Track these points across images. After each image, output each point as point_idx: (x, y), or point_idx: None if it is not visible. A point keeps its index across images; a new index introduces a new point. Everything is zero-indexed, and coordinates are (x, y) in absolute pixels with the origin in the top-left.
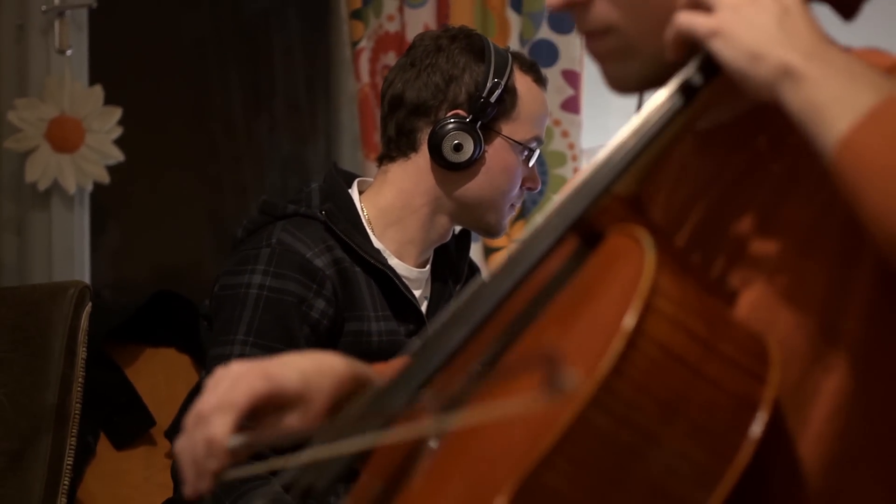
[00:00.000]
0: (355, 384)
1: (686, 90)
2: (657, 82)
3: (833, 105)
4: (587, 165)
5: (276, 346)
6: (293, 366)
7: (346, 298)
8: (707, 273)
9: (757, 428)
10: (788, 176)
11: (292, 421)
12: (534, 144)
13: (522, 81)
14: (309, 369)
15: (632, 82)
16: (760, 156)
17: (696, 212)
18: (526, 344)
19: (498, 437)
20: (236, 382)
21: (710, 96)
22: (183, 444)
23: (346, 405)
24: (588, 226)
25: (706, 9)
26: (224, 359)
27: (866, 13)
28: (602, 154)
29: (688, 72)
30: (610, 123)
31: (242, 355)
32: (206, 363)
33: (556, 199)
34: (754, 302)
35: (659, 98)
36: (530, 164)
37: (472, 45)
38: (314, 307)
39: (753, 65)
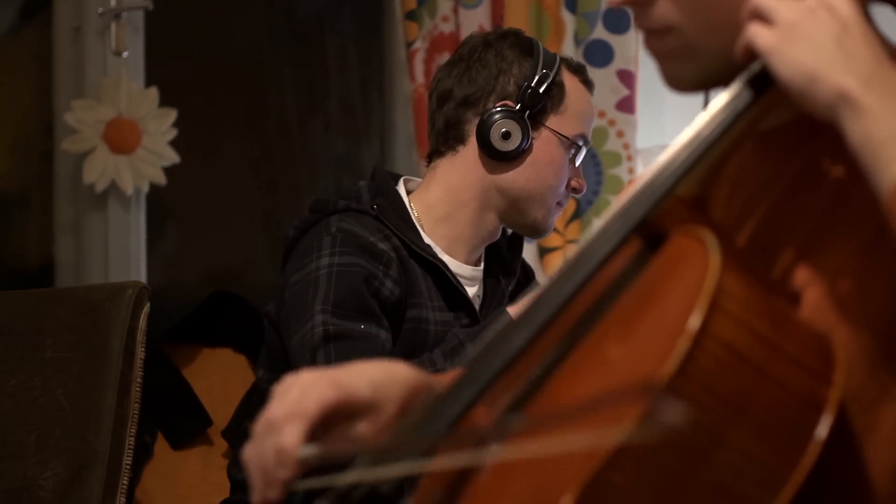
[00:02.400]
0: (429, 389)
1: (753, 85)
2: (715, 82)
3: (889, 144)
4: (650, 167)
5: (355, 316)
6: (363, 374)
7: (408, 284)
8: (769, 274)
9: (822, 429)
10: (849, 179)
11: (362, 430)
12: (580, 142)
13: (570, 79)
14: (379, 377)
15: (690, 82)
16: (820, 157)
17: (756, 213)
18: (589, 347)
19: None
20: (306, 390)
21: (773, 97)
22: (252, 452)
23: (410, 412)
24: (651, 227)
25: (767, 21)
26: (310, 334)
27: None
28: (665, 155)
29: (751, 73)
30: (665, 123)
31: (326, 323)
32: (291, 353)
33: (618, 200)
34: (816, 304)
35: (722, 99)
36: (577, 162)
37: (521, 41)
38: (384, 284)
39: (811, 86)
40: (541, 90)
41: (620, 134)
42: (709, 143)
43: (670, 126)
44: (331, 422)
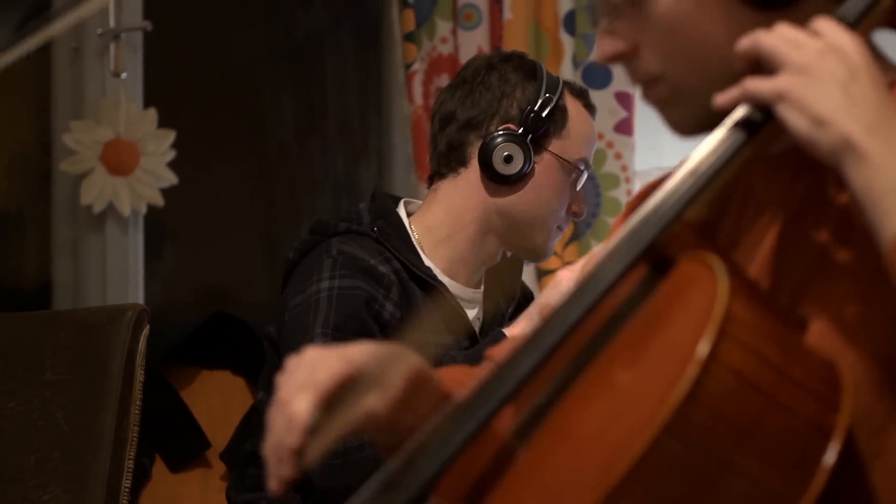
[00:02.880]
0: (428, 378)
1: (748, 126)
2: (717, 122)
3: (890, 194)
4: (658, 192)
5: (353, 338)
6: (369, 349)
7: (408, 306)
8: (777, 300)
9: (831, 455)
10: (855, 205)
11: (370, 402)
12: (582, 166)
13: (573, 104)
14: (385, 354)
15: (691, 125)
16: (826, 183)
17: (763, 237)
18: (597, 372)
19: (573, 459)
20: (315, 365)
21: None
22: (268, 441)
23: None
24: (658, 252)
25: (771, 67)
26: None
27: None
28: (673, 180)
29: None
30: (663, 145)
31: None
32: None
33: (616, 223)
34: (823, 330)
35: (728, 125)
36: (577, 186)
37: (524, 65)
38: (385, 308)
39: (817, 131)
40: (543, 114)
41: (619, 156)
42: (717, 168)
43: (668, 148)
44: (340, 396)
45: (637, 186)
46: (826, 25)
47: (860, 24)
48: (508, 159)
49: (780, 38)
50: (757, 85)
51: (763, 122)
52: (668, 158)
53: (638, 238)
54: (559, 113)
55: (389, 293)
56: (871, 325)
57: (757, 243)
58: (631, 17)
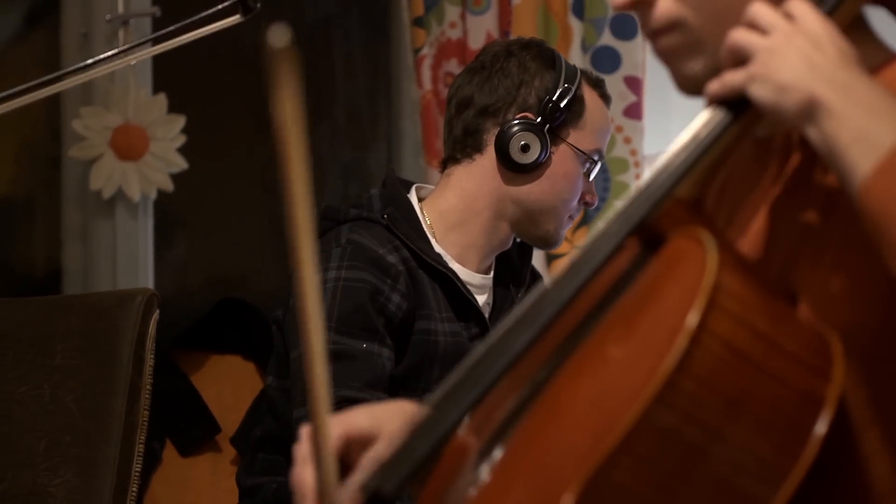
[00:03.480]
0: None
1: (733, 107)
2: None
3: (854, 144)
4: (650, 169)
5: (358, 333)
6: (363, 409)
7: (416, 296)
8: (767, 272)
9: (822, 425)
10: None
11: (379, 451)
12: (596, 157)
13: (590, 94)
14: (378, 411)
15: (701, 80)
16: (814, 163)
17: (752, 216)
18: (590, 348)
19: (564, 434)
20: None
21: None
22: None
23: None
24: (649, 229)
25: (746, 58)
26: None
27: None
28: (662, 158)
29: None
30: (671, 129)
31: (328, 341)
32: (291, 365)
33: (618, 204)
34: (812, 302)
35: (713, 106)
36: (591, 177)
37: (543, 53)
38: (391, 300)
39: (781, 97)
40: (562, 104)
41: (628, 140)
42: (706, 145)
43: (677, 132)
44: (350, 457)
45: (646, 171)
46: (796, 7)
47: (842, 4)
48: (525, 148)
49: (748, 29)
50: (732, 75)
51: (744, 106)
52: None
53: (629, 215)
54: (577, 103)
55: (397, 284)
56: (857, 296)
57: (746, 223)
58: None
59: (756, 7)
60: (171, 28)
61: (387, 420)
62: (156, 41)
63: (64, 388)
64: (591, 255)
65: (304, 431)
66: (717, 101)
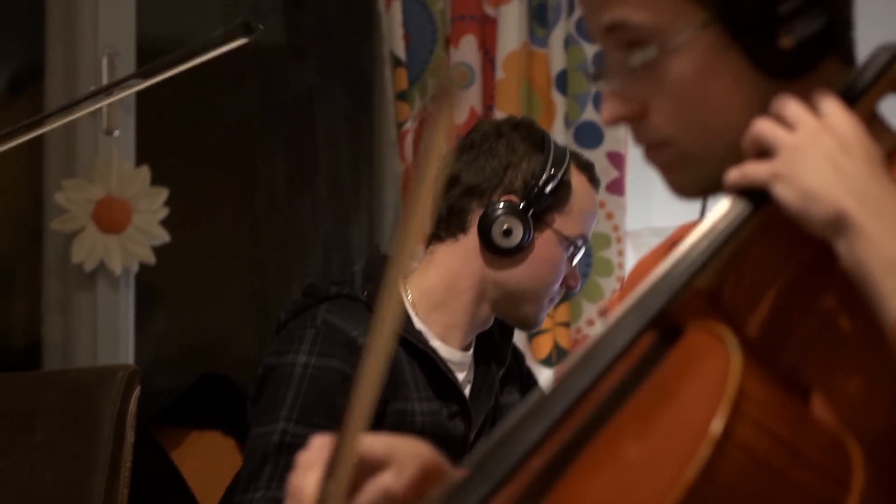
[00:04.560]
0: (443, 470)
1: (754, 199)
2: (720, 187)
3: (889, 275)
4: (668, 258)
5: (321, 422)
6: (378, 437)
7: (390, 378)
8: (780, 364)
9: None
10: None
11: (386, 479)
12: (580, 242)
13: (578, 178)
14: (393, 440)
15: (695, 189)
16: (825, 254)
17: (762, 304)
18: (604, 443)
19: None
20: (320, 447)
21: None
22: None
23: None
24: (667, 320)
25: (769, 151)
26: (267, 437)
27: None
28: (681, 248)
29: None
30: (654, 205)
31: (286, 433)
32: (247, 442)
33: (635, 291)
34: (826, 403)
35: (735, 196)
36: (574, 261)
37: (533, 134)
38: None
39: (808, 204)
40: (547, 189)
41: (610, 216)
42: (726, 236)
43: (659, 208)
44: (359, 481)
45: (628, 247)
46: (826, 103)
47: (865, 96)
48: (508, 232)
49: (774, 121)
50: (755, 168)
51: (765, 199)
52: (658, 219)
53: (647, 305)
54: (563, 189)
55: None
56: (875, 400)
57: (761, 309)
58: (643, 78)
59: (784, 100)
60: (180, 53)
61: (400, 452)
62: (166, 66)
63: (44, 464)
64: (606, 346)
65: (322, 441)
66: (737, 191)
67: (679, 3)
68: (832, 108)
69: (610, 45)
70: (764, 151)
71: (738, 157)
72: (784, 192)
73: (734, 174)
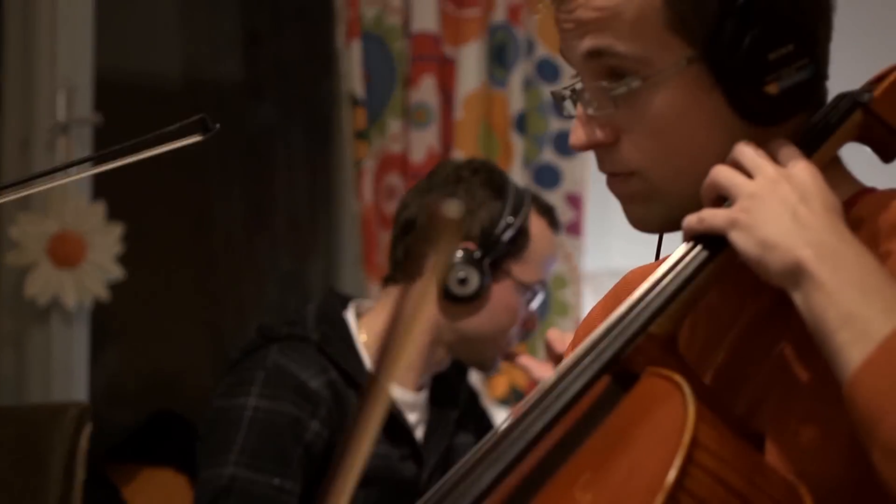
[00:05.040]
0: None
1: (710, 246)
2: (680, 223)
3: (844, 329)
4: (623, 303)
5: (270, 467)
6: None
7: (339, 421)
8: (734, 415)
9: None
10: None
11: None
12: (538, 287)
13: (537, 224)
14: None
15: (655, 223)
16: (781, 302)
17: (718, 350)
18: (557, 489)
19: None
20: None
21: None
22: None
23: None
24: (622, 365)
25: (728, 197)
26: (216, 481)
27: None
28: (639, 291)
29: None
30: (612, 246)
31: (234, 477)
32: (196, 485)
33: (590, 336)
34: (780, 451)
35: (691, 243)
36: (532, 306)
37: (493, 180)
38: (309, 428)
39: (765, 254)
40: (505, 238)
41: (568, 257)
42: (682, 282)
43: (617, 249)
44: None
45: (586, 288)
46: (785, 151)
47: (824, 144)
48: (463, 281)
49: (733, 168)
50: (713, 214)
51: (722, 246)
52: (617, 260)
53: (602, 350)
54: (521, 237)
55: (318, 411)
56: (828, 450)
57: (715, 353)
58: (621, 108)
59: (742, 146)
60: (131, 143)
61: None
62: (114, 155)
63: None
64: (561, 391)
65: None
66: (694, 237)
67: (666, 36)
68: (791, 157)
69: (589, 70)
70: (722, 199)
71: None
72: (741, 240)
73: (692, 219)
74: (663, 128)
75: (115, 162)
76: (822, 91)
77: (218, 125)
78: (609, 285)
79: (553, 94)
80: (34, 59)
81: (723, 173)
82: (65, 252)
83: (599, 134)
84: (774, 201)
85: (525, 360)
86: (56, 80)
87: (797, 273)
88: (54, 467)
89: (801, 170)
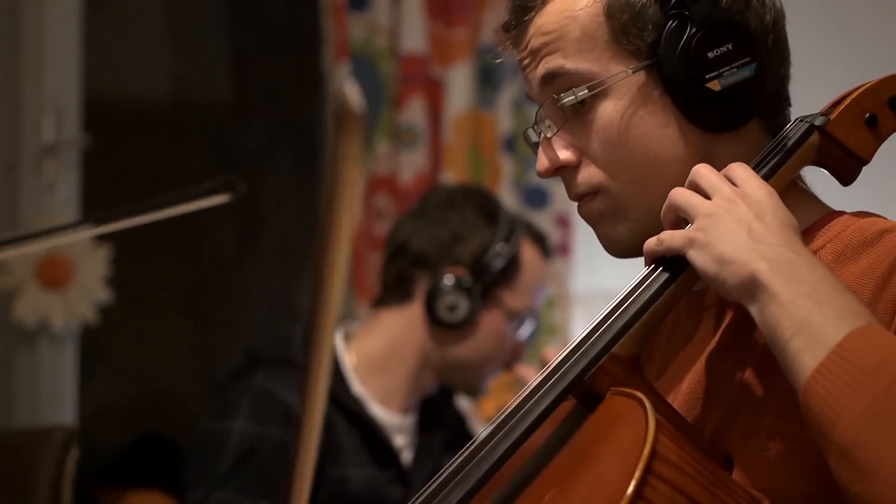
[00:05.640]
0: None
1: (671, 268)
2: None
3: (797, 337)
4: (584, 326)
5: (256, 491)
6: None
7: (326, 444)
8: (701, 434)
9: None
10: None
11: None
12: (527, 315)
13: (528, 252)
14: None
15: (625, 243)
16: (750, 320)
17: (687, 369)
18: None
19: None
20: None
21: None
22: None
23: None
24: (586, 386)
25: (686, 218)
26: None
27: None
28: (599, 315)
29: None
30: (602, 267)
31: (221, 501)
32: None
33: (553, 358)
34: (748, 467)
35: (652, 266)
36: (521, 333)
37: (485, 206)
38: None
39: (722, 269)
40: (495, 265)
41: (556, 278)
42: (644, 304)
43: (607, 271)
44: None
45: (576, 309)
46: (739, 171)
47: (782, 166)
48: (453, 308)
49: (689, 190)
50: (671, 235)
51: (683, 267)
52: (606, 281)
53: (565, 372)
54: (512, 265)
55: None
56: (794, 463)
57: (681, 375)
58: (575, 124)
59: (699, 168)
60: (157, 201)
61: None
62: (138, 210)
63: None
64: (526, 412)
65: None
66: (655, 260)
67: (611, 50)
68: (745, 176)
69: (546, 95)
70: (681, 220)
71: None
72: (699, 259)
73: (651, 242)
74: (616, 138)
75: (140, 217)
76: (773, 97)
77: (246, 188)
78: (599, 306)
79: (524, 136)
80: (21, 79)
81: (679, 195)
82: (52, 274)
83: (562, 155)
84: (730, 219)
85: (523, 370)
86: (43, 100)
87: (752, 286)
88: (41, 492)
89: (757, 189)
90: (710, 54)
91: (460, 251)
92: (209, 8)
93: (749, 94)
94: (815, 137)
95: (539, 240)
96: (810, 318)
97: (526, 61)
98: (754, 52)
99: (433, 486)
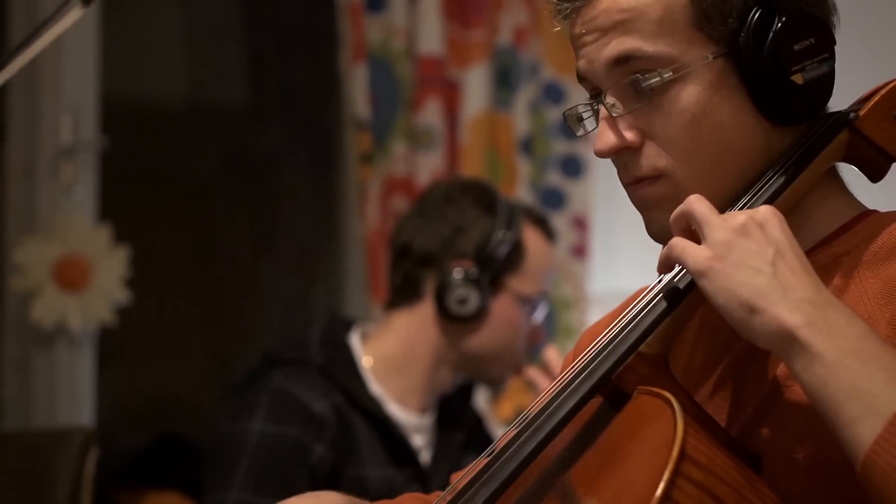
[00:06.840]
0: None
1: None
2: None
3: (850, 403)
4: (613, 324)
5: (275, 490)
6: (308, 496)
7: (344, 444)
8: (729, 434)
9: None
10: None
11: None
12: (539, 298)
13: (531, 235)
14: (305, 500)
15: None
16: None
17: (717, 370)
18: None
19: None
20: None
21: None
22: None
23: None
24: (613, 384)
25: (699, 231)
26: None
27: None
28: (628, 313)
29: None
30: (619, 268)
31: (240, 501)
32: None
33: (581, 357)
34: (776, 470)
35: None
36: (536, 318)
37: (483, 196)
38: (314, 452)
39: (750, 317)
40: (499, 252)
41: (573, 279)
42: (670, 304)
43: (624, 271)
44: None
45: (592, 310)
46: (762, 212)
47: (811, 164)
48: (463, 301)
49: (708, 203)
50: (684, 250)
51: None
52: (623, 282)
53: (593, 370)
54: (516, 250)
55: (322, 434)
56: (824, 466)
57: (710, 373)
58: (648, 106)
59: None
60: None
61: None
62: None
63: None
64: (553, 410)
65: None
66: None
67: (691, 34)
68: (765, 212)
69: (614, 77)
70: (692, 228)
71: (725, 207)
72: (717, 296)
73: (665, 251)
74: (690, 123)
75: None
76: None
77: None
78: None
79: (566, 114)
80: (38, 82)
81: (698, 205)
82: (70, 276)
83: (627, 135)
84: (749, 253)
85: (532, 372)
86: (60, 102)
87: (787, 341)
88: (60, 493)
89: (771, 219)
90: (796, 47)
91: (463, 244)
92: (226, 10)
93: (826, 90)
94: (844, 134)
95: (540, 222)
96: (861, 382)
97: (589, 37)
98: (832, 47)
99: (460, 486)
